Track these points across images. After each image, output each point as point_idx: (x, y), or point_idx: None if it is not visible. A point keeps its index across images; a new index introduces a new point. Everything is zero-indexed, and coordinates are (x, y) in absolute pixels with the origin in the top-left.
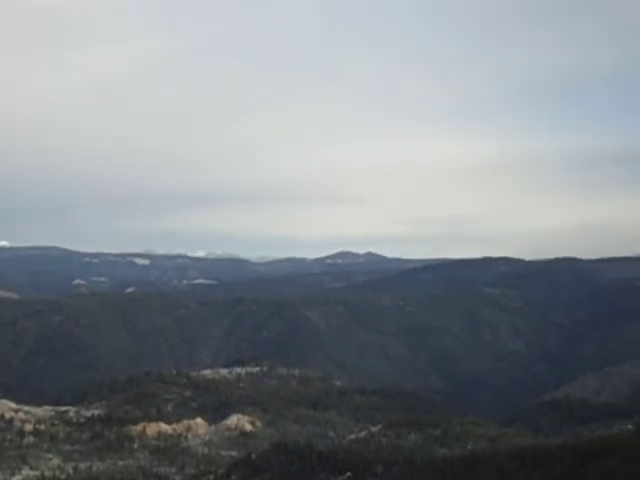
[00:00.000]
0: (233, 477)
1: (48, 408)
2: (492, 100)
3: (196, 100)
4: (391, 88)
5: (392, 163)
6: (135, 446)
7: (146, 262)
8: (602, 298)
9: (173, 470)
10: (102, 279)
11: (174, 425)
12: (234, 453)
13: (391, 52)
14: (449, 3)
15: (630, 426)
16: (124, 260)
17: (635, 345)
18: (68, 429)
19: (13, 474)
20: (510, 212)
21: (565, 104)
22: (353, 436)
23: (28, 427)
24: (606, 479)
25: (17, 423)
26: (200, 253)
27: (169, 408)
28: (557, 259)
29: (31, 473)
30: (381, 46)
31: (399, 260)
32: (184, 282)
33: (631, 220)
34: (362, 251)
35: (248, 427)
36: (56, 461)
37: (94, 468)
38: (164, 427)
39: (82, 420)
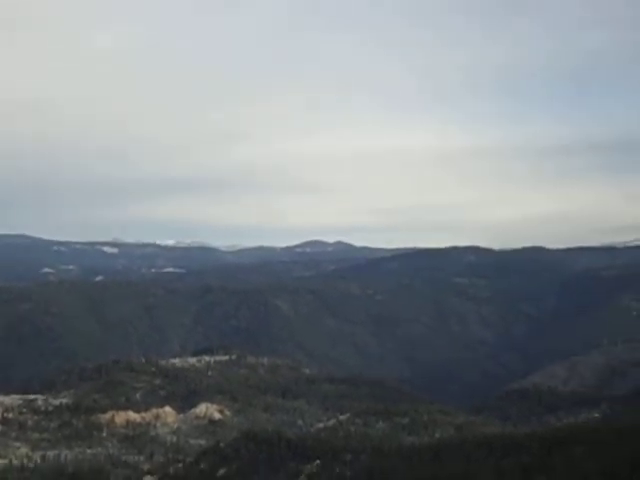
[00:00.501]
0: (202, 465)
1: (16, 397)
2: (465, 88)
3: (167, 88)
4: (364, 75)
5: (362, 152)
6: (104, 434)
7: (115, 250)
8: (570, 288)
9: (142, 458)
10: (71, 267)
11: (143, 414)
12: (203, 442)
13: (369, 39)
14: None
15: (597, 414)
16: (93, 249)
17: (602, 334)
18: (36, 417)
19: None
20: (479, 201)
21: (535, 93)
22: (322, 424)
23: None
24: (573, 467)
25: None
26: (169, 242)
27: (138, 397)
28: (525, 249)
29: None
30: (358, 33)
31: (368, 249)
32: (153, 270)
33: (598, 210)
34: (331, 240)
35: (217, 415)
36: (24, 450)
37: (62, 456)
38: (133, 416)
39: (50, 408)
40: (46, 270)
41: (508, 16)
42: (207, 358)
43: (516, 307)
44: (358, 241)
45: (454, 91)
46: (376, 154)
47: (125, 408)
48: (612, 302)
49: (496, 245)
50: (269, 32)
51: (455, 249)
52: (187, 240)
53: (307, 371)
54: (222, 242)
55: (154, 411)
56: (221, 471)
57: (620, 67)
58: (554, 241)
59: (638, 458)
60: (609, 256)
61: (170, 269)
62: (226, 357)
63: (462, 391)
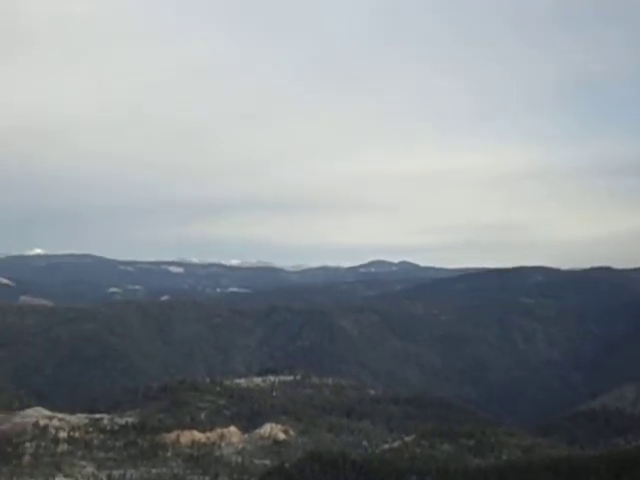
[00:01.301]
0: None
1: (82, 415)
2: (523, 106)
3: (226, 108)
4: (421, 94)
5: (425, 171)
6: (168, 454)
7: (180, 270)
8: (638, 308)
9: (206, 479)
10: (137, 287)
11: (207, 433)
12: (267, 462)
13: (420, 57)
14: (479, 4)
15: None
16: (158, 268)
17: None
18: (102, 437)
19: None
20: (545, 221)
21: (598, 110)
22: (387, 446)
23: (62, 434)
24: None
25: (51, 430)
26: (234, 261)
27: (203, 416)
28: (593, 268)
29: None
30: (408, 49)
31: (433, 269)
32: (218, 290)
33: None
34: (396, 260)
35: (281, 436)
36: (90, 469)
37: (127, 476)
38: (197, 435)
39: (116, 428)
40: (112, 290)
41: (557, 31)
42: (272, 378)
43: (584, 327)
44: (423, 261)
45: (511, 109)
46: (437, 174)
47: (190, 428)
48: None
49: (563, 265)
50: (321, 48)
51: (522, 269)
52: (252, 260)
53: (372, 392)
54: (287, 262)
55: (219, 431)
56: None
57: None
58: (622, 261)
59: None
60: None
61: (235, 289)
62: (291, 377)
63: (528, 412)
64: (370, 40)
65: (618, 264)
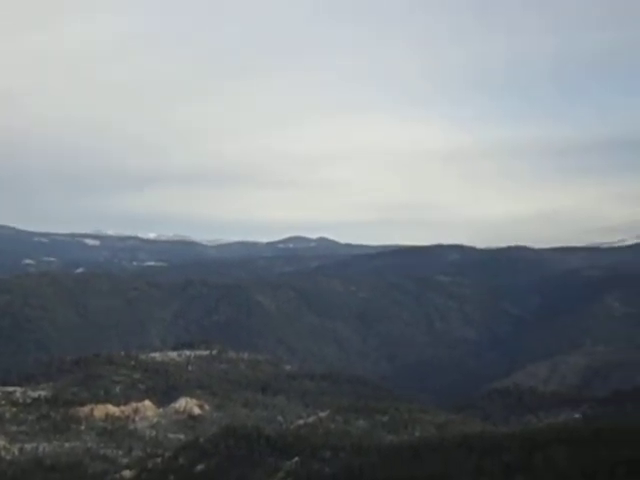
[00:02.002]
0: (180, 460)
1: None
2: (452, 88)
3: (151, 82)
4: (350, 72)
5: (347, 149)
6: (82, 428)
7: (96, 243)
8: (553, 288)
9: (120, 452)
10: (51, 259)
11: (122, 407)
12: (182, 436)
13: (369, 33)
14: None
15: (577, 415)
16: (74, 240)
17: (585, 335)
18: (14, 410)
19: None
20: (464, 199)
21: (522, 93)
22: (301, 421)
23: None
24: (553, 467)
25: None
26: (151, 235)
27: (117, 390)
28: (509, 247)
29: None
30: (359, 26)
31: (351, 246)
32: (134, 264)
33: (584, 210)
34: (314, 236)
35: (196, 410)
36: (2, 442)
37: (40, 449)
38: (112, 409)
39: (29, 401)
40: (27, 261)
41: (514, 13)
42: (187, 352)
43: (499, 306)
44: (342, 237)
45: (446, 89)
46: (362, 151)
47: (104, 402)
48: (595, 303)
49: (480, 244)
50: (264, 21)
51: (439, 247)
52: (169, 233)
53: (288, 367)
54: (204, 236)
55: (133, 405)
56: (200, 466)
57: (619, 67)
58: (539, 241)
59: (617, 459)
60: (593, 256)
61: (152, 262)
62: (206, 352)
63: (443, 389)
64: (309, 15)
65: (534, 243)
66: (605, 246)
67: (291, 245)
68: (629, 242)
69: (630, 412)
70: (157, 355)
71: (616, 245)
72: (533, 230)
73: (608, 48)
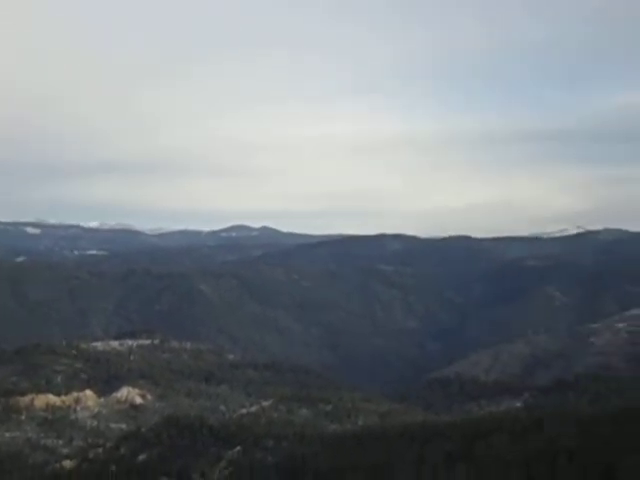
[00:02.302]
0: (122, 450)
1: None
2: (395, 77)
3: (95, 69)
4: (291, 61)
5: (291, 138)
6: (22, 418)
7: (37, 231)
8: (495, 277)
9: (61, 442)
10: None
11: (63, 397)
12: (124, 426)
13: (295, 23)
14: None
15: (519, 404)
16: (14, 229)
17: (526, 324)
18: None
19: None
20: (407, 190)
21: (463, 85)
22: (244, 410)
23: None
24: (495, 456)
25: None
26: (93, 224)
27: (58, 380)
28: (451, 237)
29: None
30: (281, 16)
31: (294, 235)
32: (76, 252)
33: (525, 200)
34: (257, 225)
35: (138, 400)
36: None
37: None
38: (53, 399)
39: None
40: None
41: (446, 7)
42: (129, 342)
43: (442, 295)
44: (284, 227)
45: (385, 79)
46: (305, 140)
47: (45, 391)
48: (537, 292)
49: (423, 234)
50: (201, 11)
51: (382, 237)
52: (111, 222)
53: (230, 356)
54: (147, 225)
55: (74, 395)
56: (142, 456)
57: (556, 60)
58: (481, 230)
59: (558, 447)
60: (534, 246)
61: (93, 251)
62: (149, 341)
63: (386, 379)
64: (246, 6)
65: (477, 233)
66: (547, 236)
67: (234, 234)
68: (571, 232)
69: (571, 401)
70: (99, 344)
71: (558, 235)
72: (475, 220)
73: (547, 42)
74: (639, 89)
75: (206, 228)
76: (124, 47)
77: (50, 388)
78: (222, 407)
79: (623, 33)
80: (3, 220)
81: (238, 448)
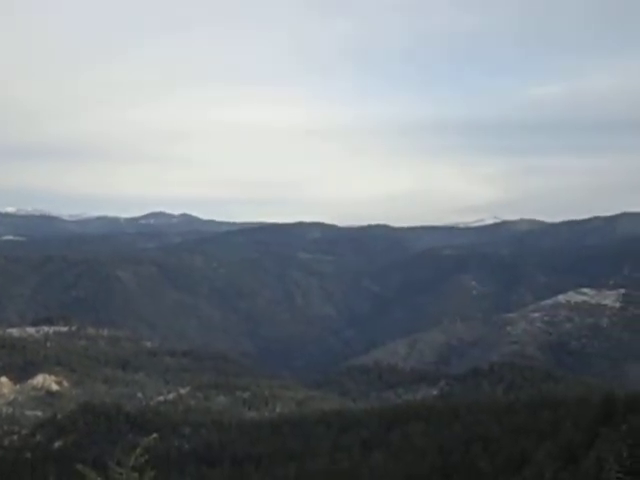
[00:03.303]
0: (38, 437)
1: None
2: (317, 63)
3: (20, 51)
4: (212, 48)
5: (216, 125)
6: None
7: None
8: (412, 266)
9: None
10: None
11: None
12: (39, 413)
13: (212, 11)
14: None
15: (435, 392)
16: None
17: (443, 312)
18: None
19: None
20: (326, 178)
21: (382, 73)
22: (162, 398)
23: None
24: (411, 443)
25: None
26: (9, 209)
27: None
28: (370, 226)
29: None
30: (199, 6)
31: (214, 222)
32: None
33: (442, 190)
34: (177, 212)
35: (55, 387)
36: None
37: None
38: None
39: None
40: None
41: None
42: (46, 329)
43: (359, 283)
44: (204, 214)
45: (309, 65)
46: (229, 128)
47: None
48: (453, 281)
49: (341, 222)
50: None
51: (300, 225)
52: (28, 208)
53: (148, 344)
54: (65, 211)
55: None
56: (57, 443)
57: (479, 49)
58: (398, 220)
59: (472, 435)
60: (451, 236)
61: (10, 237)
62: (65, 328)
63: (304, 366)
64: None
65: (394, 222)
66: (463, 226)
67: (152, 221)
68: (487, 222)
69: (486, 389)
70: (14, 331)
71: (474, 225)
72: (393, 209)
73: (472, 30)
74: (557, 80)
75: (125, 215)
76: (48, 29)
77: None
78: (139, 394)
79: (546, 23)
80: None
81: (155, 435)
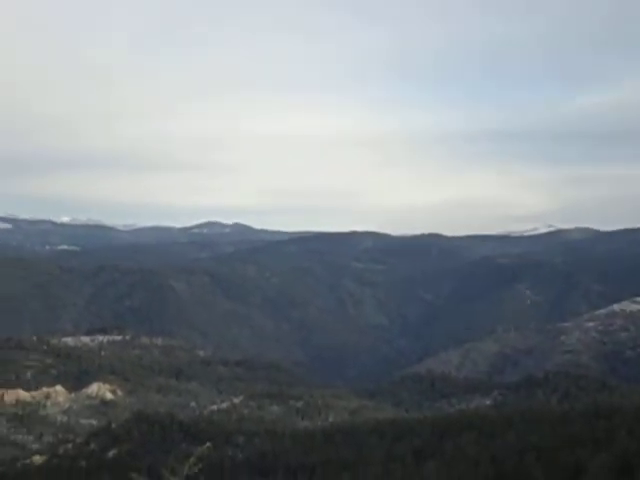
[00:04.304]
0: (92, 446)
1: None
2: (363, 73)
3: (65, 64)
4: (258, 56)
5: (265, 134)
6: None
7: (8, 226)
8: (465, 275)
9: (31, 438)
10: None
11: (33, 393)
12: (94, 422)
13: (258, 20)
14: None
15: (488, 402)
16: None
17: (496, 321)
18: None
19: None
20: (379, 187)
21: (434, 80)
22: (215, 407)
23: None
24: (464, 453)
25: None
26: (64, 219)
27: (28, 375)
28: (422, 235)
29: None
30: (245, 14)
31: (266, 232)
32: (47, 248)
33: (496, 198)
34: (229, 222)
35: (109, 396)
36: None
37: None
38: (23, 394)
39: None
40: None
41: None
42: (100, 338)
43: (412, 293)
44: (256, 223)
45: (353, 76)
46: (278, 137)
47: (15, 387)
48: (507, 290)
49: (394, 231)
50: (162, 10)
51: (353, 234)
52: (83, 218)
53: (201, 353)
54: (118, 221)
55: (45, 390)
56: (112, 452)
57: (522, 57)
58: (452, 228)
59: (525, 445)
60: (505, 245)
61: (65, 247)
62: (119, 337)
63: (357, 375)
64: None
65: (447, 231)
66: (516, 234)
67: (206, 230)
68: (541, 231)
69: (540, 398)
70: (69, 340)
71: (528, 234)
72: (446, 218)
73: (508, 40)
74: (605, 88)
75: (178, 224)
76: (84, 33)
77: (20, 383)
78: (192, 403)
79: (589, 33)
80: None
81: (208, 444)
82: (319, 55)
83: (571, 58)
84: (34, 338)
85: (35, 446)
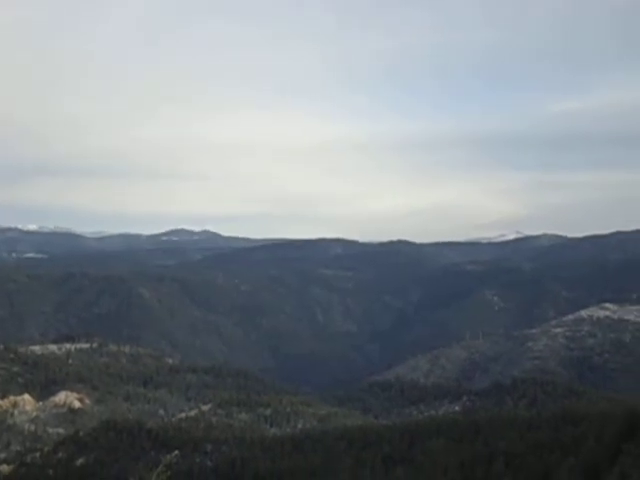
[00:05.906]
0: (60, 454)
1: None
2: (336, 81)
3: (34, 69)
4: (238, 63)
5: (233, 142)
6: None
7: None
8: (434, 282)
9: None
10: None
11: (0, 401)
12: (62, 430)
13: (241, 29)
14: None
15: (457, 408)
16: None
17: (465, 328)
18: None
19: None
20: (347, 194)
21: (404, 88)
22: (183, 414)
23: None
24: (433, 459)
25: None
26: (31, 226)
27: None
28: (391, 242)
29: None
30: (235, 23)
31: (235, 239)
32: (14, 255)
33: (464, 206)
34: (198, 229)
35: (77, 404)
36: None
37: None
38: None
39: None
40: None
41: (395, 7)
42: (68, 346)
43: (381, 299)
44: (225, 231)
45: (330, 84)
46: (247, 144)
47: None
48: (475, 297)
49: (362, 238)
50: (159, 18)
51: (322, 241)
52: (50, 225)
53: (170, 360)
54: (86, 228)
55: (12, 399)
56: (80, 460)
57: (498, 65)
58: (420, 235)
59: (494, 451)
60: (473, 251)
61: (32, 254)
62: (87, 345)
63: (326, 382)
64: (205, 12)
65: (416, 238)
66: (485, 241)
67: (174, 238)
68: (509, 237)
69: (508, 404)
70: (37, 348)
71: (496, 240)
72: (414, 225)
73: (491, 47)
74: (576, 96)
75: (146, 232)
76: (60, 48)
77: None
78: (161, 411)
79: (567, 39)
80: None
81: (177, 452)
82: (293, 64)
83: (543, 66)
84: (1, 346)
85: (2, 455)
